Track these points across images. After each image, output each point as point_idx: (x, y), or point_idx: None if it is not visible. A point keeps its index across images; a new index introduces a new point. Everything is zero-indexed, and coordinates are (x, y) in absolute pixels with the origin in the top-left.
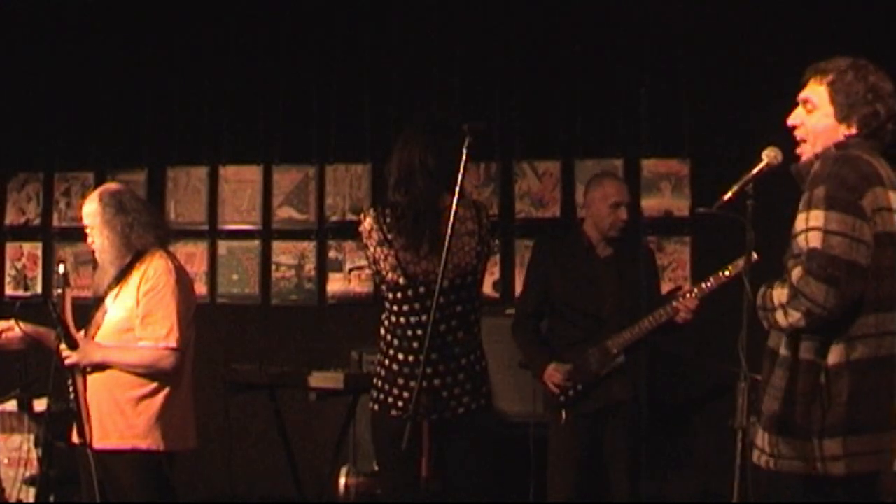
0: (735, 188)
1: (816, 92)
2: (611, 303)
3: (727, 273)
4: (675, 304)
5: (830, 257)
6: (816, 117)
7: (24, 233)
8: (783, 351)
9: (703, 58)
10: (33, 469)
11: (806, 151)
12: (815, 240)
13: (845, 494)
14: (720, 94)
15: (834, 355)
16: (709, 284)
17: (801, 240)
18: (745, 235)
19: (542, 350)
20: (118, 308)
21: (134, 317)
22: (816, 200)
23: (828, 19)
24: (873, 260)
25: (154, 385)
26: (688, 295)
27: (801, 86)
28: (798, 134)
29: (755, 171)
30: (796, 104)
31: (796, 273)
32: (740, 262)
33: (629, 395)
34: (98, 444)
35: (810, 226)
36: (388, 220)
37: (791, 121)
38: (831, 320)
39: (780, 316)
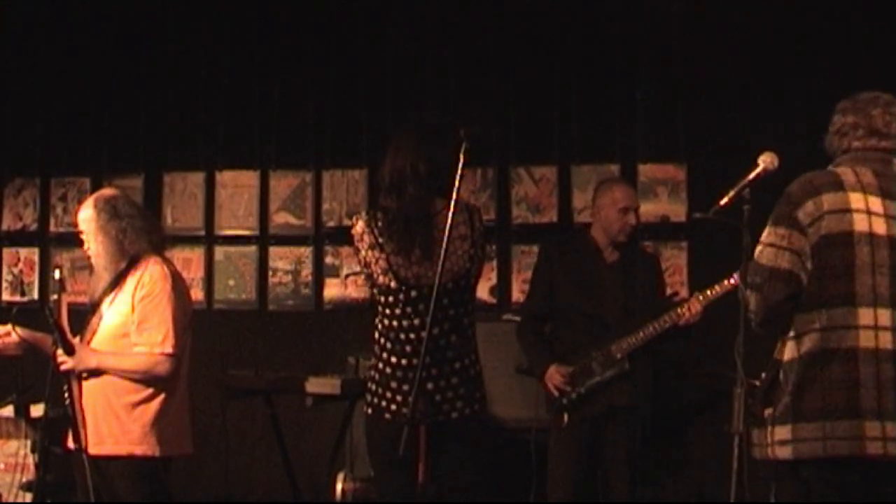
0: (731, 193)
1: None
2: (616, 307)
3: (732, 281)
4: (679, 310)
5: (756, 266)
6: None
7: (20, 238)
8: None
9: (700, 63)
10: (30, 474)
11: None
12: (755, 252)
13: (795, 477)
14: (716, 99)
15: (787, 352)
16: (713, 291)
17: None
18: (742, 240)
19: (544, 352)
20: (114, 314)
21: (130, 322)
22: (770, 219)
23: (824, 27)
24: (818, 261)
25: (150, 391)
26: (693, 301)
27: (829, 104)
28: None
29: (751, 176)
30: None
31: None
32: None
33: (631, 400)
34: (93, 449)
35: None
36: (379, 223)
37: None
38: (764, 324)
39: None
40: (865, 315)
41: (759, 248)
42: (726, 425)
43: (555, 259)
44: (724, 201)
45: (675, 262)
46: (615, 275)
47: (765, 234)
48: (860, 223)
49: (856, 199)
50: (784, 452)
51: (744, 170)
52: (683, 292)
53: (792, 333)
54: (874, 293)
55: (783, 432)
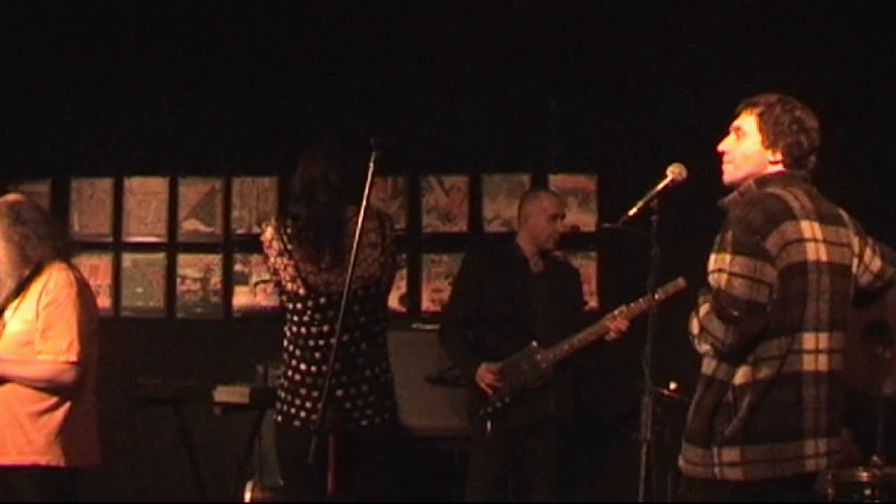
0: (640, 204)
1: (747, 121)
2: (542, 317)
3: (658, 296)
4: (605, 322)
5: (732, 298)
6: (745, 144)
7: None
8: (703, 369)
9: (612, 74)
10: None
11: (730, 172)
12: (720, 281)
13: (743, 499)
14: (627, 110)
15: (741, 375)
16: (638, 305)
17: (711, 279)
18: (650, 250)
19: (471, 355)
20: (18, 321)
21: (34, 330)
22: (725, 244)
23: (737, 40)
24: (781, 291)
25: (54, 399)
26: (619, 318)
27: (734, 117)
28: (726, 158)
29: (660, 186)
30: (727, 132)
31: (703, 310)
32: (670, 287)
33: (556, 409)
34: None
35: (718, 267)
36: (288, 230)
37: (721, 147)
38: (733, 353)
39: (696, 344)
40: (809, 340)
41: (722, 276)
42: (634, 433)
43: (482, 266)
44: (632, 212)
45: (584, 271)
46: (541, 284)
47: (727, 261)
48: (811, 252)
49: (806, 228)
50: (734, 474)
51: (653, 181)
52: (593, 302)
53: (750, 358)
54: (817, 318)
55: (732, 454)
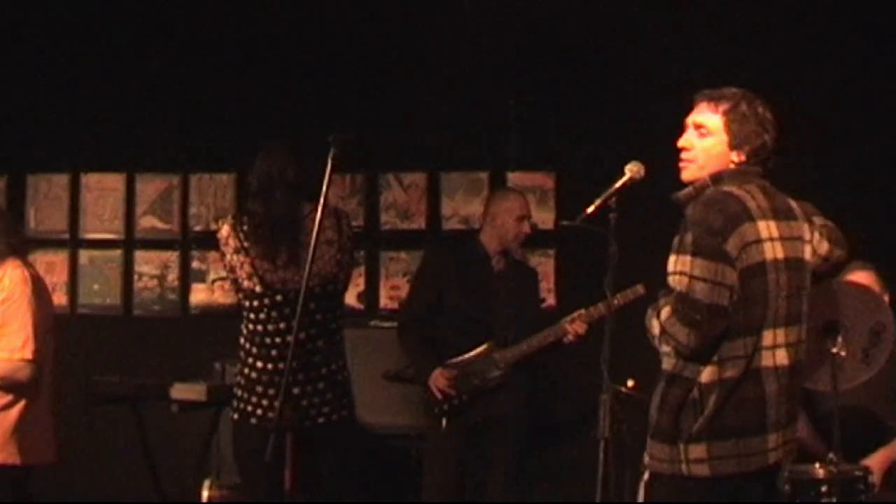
0: (598, 202)
1: (710, 119)
2: (501, 315)
3: (617, 301)
4: (563, 325)
5: (693, 301)
6: (710, 143)
7: None
8: (663, 365)
9: (570, 72)
10: None
11: (692, 172)
12: (681, 284)
13: (709, 494)
14: (586, 108)
15: (707, 374)
16: (597, 310)
17: (671, 280)
18: (608, 248)
19: (429, 354)
20: None
21: None
22: (685, 246)
23: (695, 37)
24: (741, 292)
25: (10, 397)
26: (578, 322)
27: (689, 110)
28: (687, 156)
29: (618, 184)
30: (684, 126)
31: (665, 312)
32: (629, 293)
33: (512, 409)
34: None
35: (678, 269)
36: (245, 227)
37: (682, 143)
38: (695, 356)
39: (657, 344)
40: (767, 336)
41: (683, 279)
42: (592, 431)
43: (442, 263)
44: (590, 209)
45: (542, 269)
46: (502, 283)
47: (688, 264)
48: (769, 252)
49: (763, 228)
50: (700, 470)
51: (611, 178)
52: (551, 299)
53: (715, 358)
54: (775, 315)
55: (699, 450)
